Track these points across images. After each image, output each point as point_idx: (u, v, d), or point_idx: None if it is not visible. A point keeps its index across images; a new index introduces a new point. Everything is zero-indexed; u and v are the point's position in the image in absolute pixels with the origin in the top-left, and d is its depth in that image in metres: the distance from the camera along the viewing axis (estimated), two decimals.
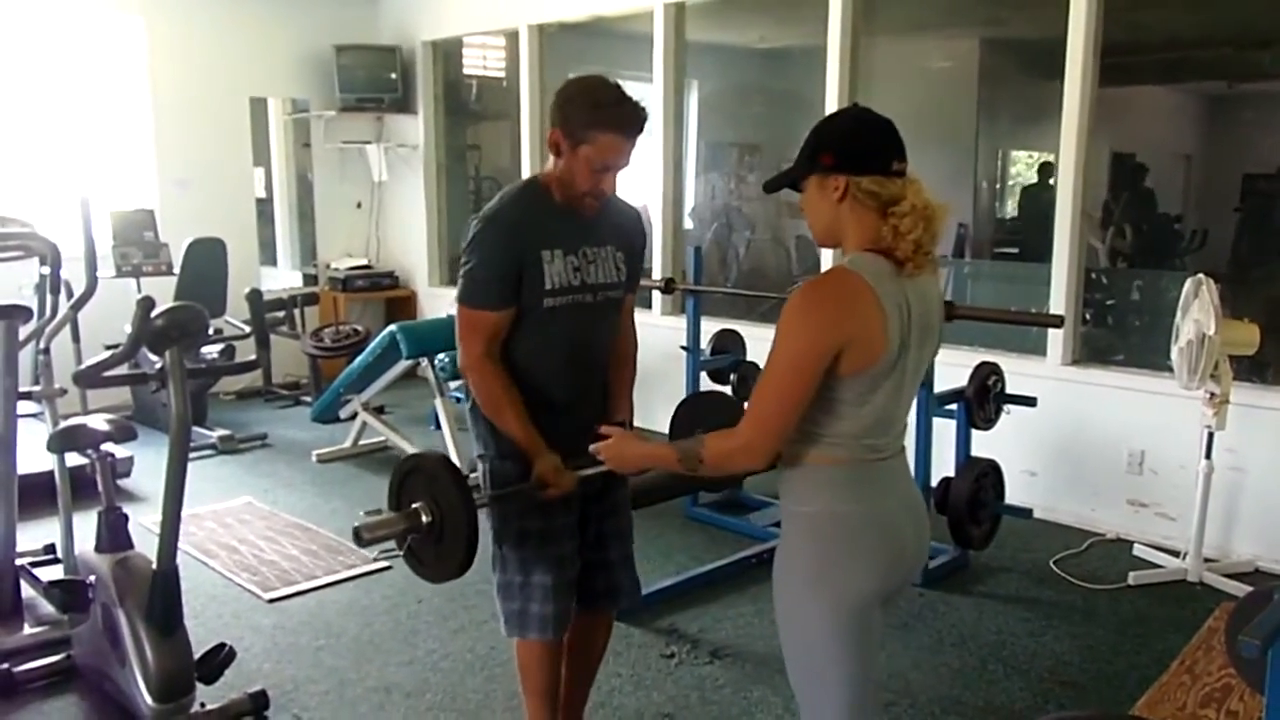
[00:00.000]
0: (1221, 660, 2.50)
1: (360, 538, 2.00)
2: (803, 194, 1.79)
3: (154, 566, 2.63)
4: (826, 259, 5.03)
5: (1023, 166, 9.17)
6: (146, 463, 4.83)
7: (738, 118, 8.83)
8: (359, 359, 5.37)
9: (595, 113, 2.08)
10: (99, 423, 3.05)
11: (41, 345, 3.60)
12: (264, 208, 7.50)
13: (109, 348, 2.76)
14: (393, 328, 5.10)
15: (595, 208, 2.20)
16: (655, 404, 3.87)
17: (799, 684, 1.82)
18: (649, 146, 6.04)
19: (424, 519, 2.03)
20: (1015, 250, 7.91)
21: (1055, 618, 3.58)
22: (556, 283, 2.17)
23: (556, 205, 2.19)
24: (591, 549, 2.35)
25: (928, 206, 1.69)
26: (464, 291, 2.19)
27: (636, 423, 2.43)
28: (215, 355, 5.43)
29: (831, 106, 5.03)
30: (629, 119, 2.09)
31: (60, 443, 3.12)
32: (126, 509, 2.98)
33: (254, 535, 4.35)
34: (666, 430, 3.04)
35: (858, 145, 1.72)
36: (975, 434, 3.95)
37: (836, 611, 1.72)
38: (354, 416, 5.55)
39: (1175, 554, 3.98)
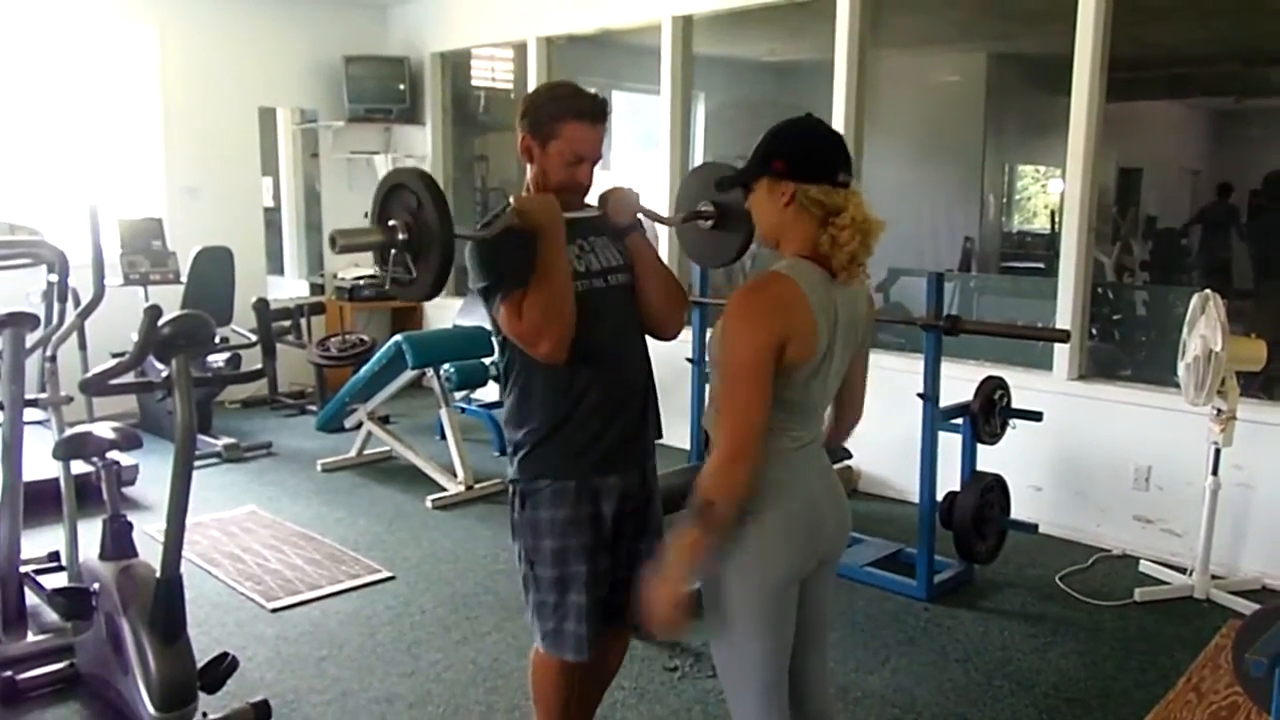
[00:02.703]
0: (1229, 678, 2.47)
1: (335, 242, 2.02)
2: (752, 194, 1.87)
3: (158, 575, 2.63)
4: None
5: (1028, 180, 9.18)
6: (151, 471, 4.84)
7: (745, 131, 8.83)
8: (365, 368, 5.38)
9: (557, 105, 2.15)
10: (104, 430, 3.05)
11: (48, 353, 3.61)
12: (272, 217, 7.54)
13: (115, 355, 2.76)
14: (399, 337, 5.11)
15: (578, 205, 2.23)
16: (665, 416, 3.84)
17: (723, 663, 1.94)
18: (656, 159, 6.06)
19: (400, 236, 2.04)
20: (1041, 265, 7.87)
21: (1061, 634, 3.56)
22: None
23: None
24: (623, 567, 2.30)
25: (866, 220, 1.79)
26: (496, 293, 2.11)
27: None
28: (221, 364, 5.44)
29: (839, 120, 5.04)
30: (589, 105, 2.16)
31: (66, 450, 3.13)
32: (131, 517, 2.98)
33: (258, 544, 4.35)
34: (678, 442, 3.02)
35: (809, 155, 1.82)
36: (981, 448, 3.94)
37: (760, 593, 1.84)
38: (359, 426, 5.56)
39: (1182, 570, 3.96)
